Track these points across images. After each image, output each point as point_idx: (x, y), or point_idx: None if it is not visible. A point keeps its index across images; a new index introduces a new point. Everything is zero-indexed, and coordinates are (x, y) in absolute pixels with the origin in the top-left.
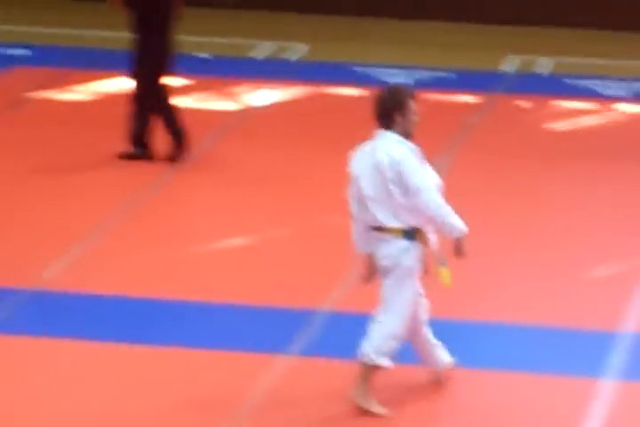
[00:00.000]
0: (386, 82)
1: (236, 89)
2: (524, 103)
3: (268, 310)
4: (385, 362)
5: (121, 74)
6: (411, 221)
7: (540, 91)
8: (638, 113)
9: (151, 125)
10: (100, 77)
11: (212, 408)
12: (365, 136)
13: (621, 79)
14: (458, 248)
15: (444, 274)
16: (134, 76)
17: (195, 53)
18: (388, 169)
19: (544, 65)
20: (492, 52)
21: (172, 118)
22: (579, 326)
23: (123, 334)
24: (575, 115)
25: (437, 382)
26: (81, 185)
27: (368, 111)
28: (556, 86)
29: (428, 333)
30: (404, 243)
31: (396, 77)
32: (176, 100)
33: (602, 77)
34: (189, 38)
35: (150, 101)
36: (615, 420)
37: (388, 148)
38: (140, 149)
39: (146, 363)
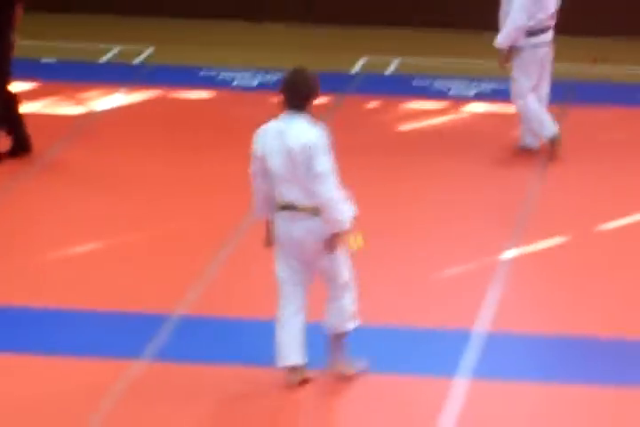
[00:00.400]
0: (232, 84)
1: (82, 94)
2: (372, 104)
3: (120, 315)
4: (354, 325)
5: None
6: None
7: (389, 91)
8: (484, 112)
9: None
10: None
11: (66, 414)
12: (216, 138)
13: (467, 79)
14: (331, 243)
15: (357, 237)
16: None
17: (39, 58)
18: (300, 153)
19: (393, 66)
20: (344, 54)
21: (16, 123)
22: (433, 325)
23: None
24: (423, 115)
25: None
26: None
27: (216, 113)
28: (404, 87)
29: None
30: (318, 220)
31: (244, 80)
32: (22, 106)
33: (449, 77)
34: (34, 43)
35: None
36: (468, 418)
37: (302, 131)
38: None
39: None
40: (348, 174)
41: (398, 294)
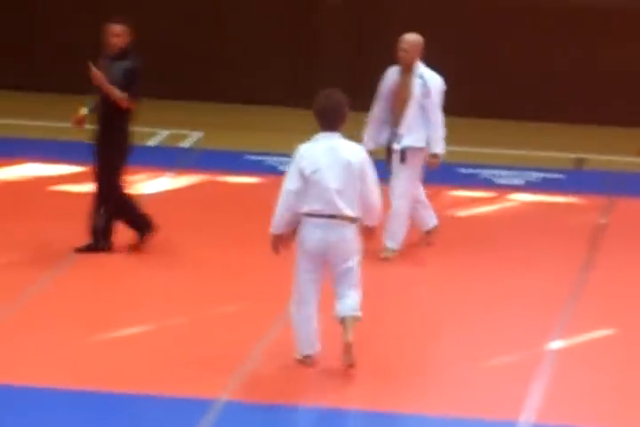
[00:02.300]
0: (278, 170)
1: (131, 176)
2: None
3: (164, 399)
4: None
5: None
6: (358, 213)
7: (435, 179)
8: (531, 201)
9: (112, 218)
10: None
11: None
12: (263, 223)
13: (515, 168)
14: (371, 232)
15: None
16: (97, 169)
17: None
18: (357, 168)
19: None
20: None
21: (133, 208)
22: (477, 415)
23: (17, 424)
24: (470, 203)
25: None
26: None
27: (262, 198)
28: (450, 175)
29: None
30: (353, 229)
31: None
32: (70, 188)
33: (496, 167)
34: (85, 126)
35: (113, 194)
36: None
37: (352, 147)
38: (101, 241)
39: None
40: (390, 261)
41: (442, 382)
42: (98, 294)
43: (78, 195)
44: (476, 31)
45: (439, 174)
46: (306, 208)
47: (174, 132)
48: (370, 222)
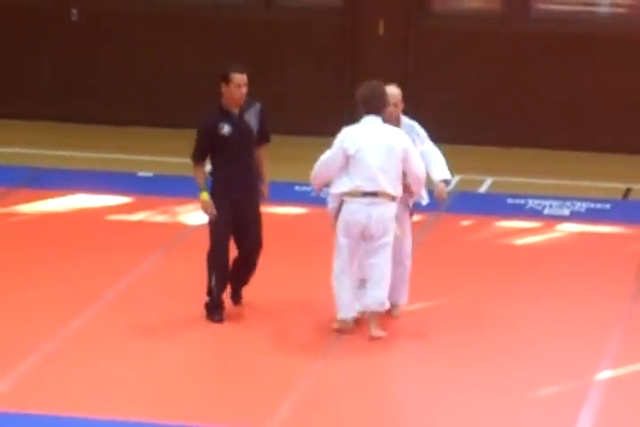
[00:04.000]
0: (327, 201)
1: (177, 207)
2: (466, 222)
3: None
4: (385, 307)
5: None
6: (398, 191)
7: (482, 210)
8: (579, 231)
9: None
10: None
11: None
12: (310, 252)
13: (562, 198)
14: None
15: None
16: (253, 214)
17: (136, 172)
18: (400, 151)
19: (486, 184)
20: None
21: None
22: None
23: None
24: (517, 233)
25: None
26: (24, 305)
27: (311, 229)
28: (497, 206)
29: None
30: (394, 206)
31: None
32: (119, 218)
33: (543, 197)
34: (130, 157)
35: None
36: None
37: (394, 132)
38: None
39: None
40: (440, 290)
41: (488, 413)
42: (141, 327)
43: (126, 225)
44: (519, 58)
45: (486, 204)
46: (348, 186)
47: None
48: (416, 191)
